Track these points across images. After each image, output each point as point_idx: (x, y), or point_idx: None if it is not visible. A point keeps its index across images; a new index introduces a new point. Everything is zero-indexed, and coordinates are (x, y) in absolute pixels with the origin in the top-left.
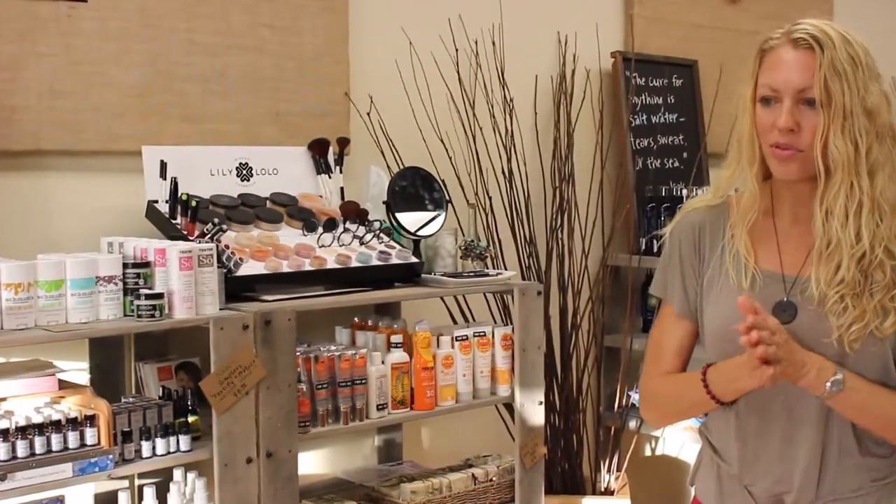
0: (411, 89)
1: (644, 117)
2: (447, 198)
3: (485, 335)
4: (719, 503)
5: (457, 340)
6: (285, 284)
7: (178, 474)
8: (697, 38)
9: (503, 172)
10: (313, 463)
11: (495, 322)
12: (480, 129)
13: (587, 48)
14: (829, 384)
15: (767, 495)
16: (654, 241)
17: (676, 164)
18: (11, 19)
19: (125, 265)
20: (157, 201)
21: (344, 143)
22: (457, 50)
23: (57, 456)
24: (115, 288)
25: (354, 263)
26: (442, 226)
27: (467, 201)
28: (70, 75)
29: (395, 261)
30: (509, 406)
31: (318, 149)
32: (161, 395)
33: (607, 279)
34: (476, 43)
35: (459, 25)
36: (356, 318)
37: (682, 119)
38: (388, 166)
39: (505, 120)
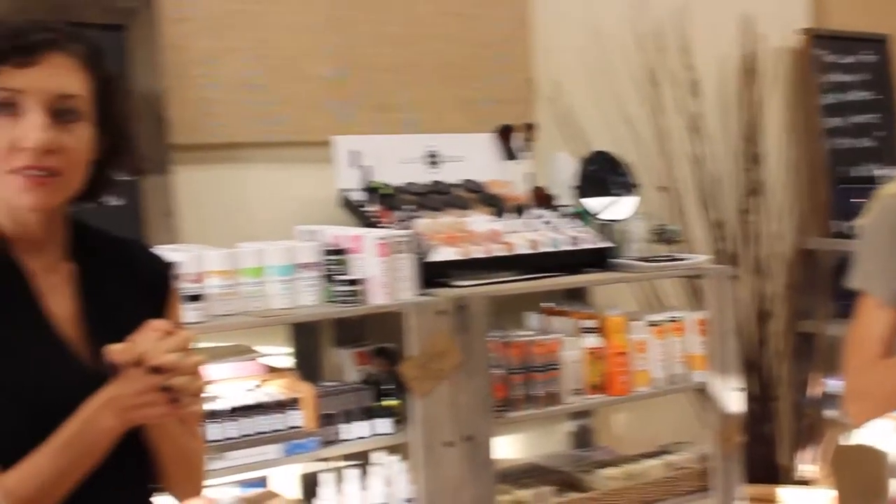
0: (595, 74)
1: (835, 95)
2: (636, 182)
3: (678, 320)
4: None
5: (650, 325)
6: (476, 270)
7: (380, 457)
8: (888, 11)
9: (691, 155)
10: (507, 448)
11: (683, 307)
12: (666, 111)
13: (773, 26)
14: None
15: None
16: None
17: (870, 143)
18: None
19: (323, 252)
20: (349, 190)
21: (530, 128)
22: (641, 33)
23: (267, 437)
24: (314, 275)
25: (544, 248)
26: (633, 210)
27: (657, 186)
28: (261, 69)
29: (585, 245)
30: (703, 392)
31: (504, 135)
32: (359, 379)
33: (800, 263)
34: (660, 25)
35: (643, 8)
36: (542, 304)
37: (877, 96)
38: (575, 150)
39: (691, 102)
